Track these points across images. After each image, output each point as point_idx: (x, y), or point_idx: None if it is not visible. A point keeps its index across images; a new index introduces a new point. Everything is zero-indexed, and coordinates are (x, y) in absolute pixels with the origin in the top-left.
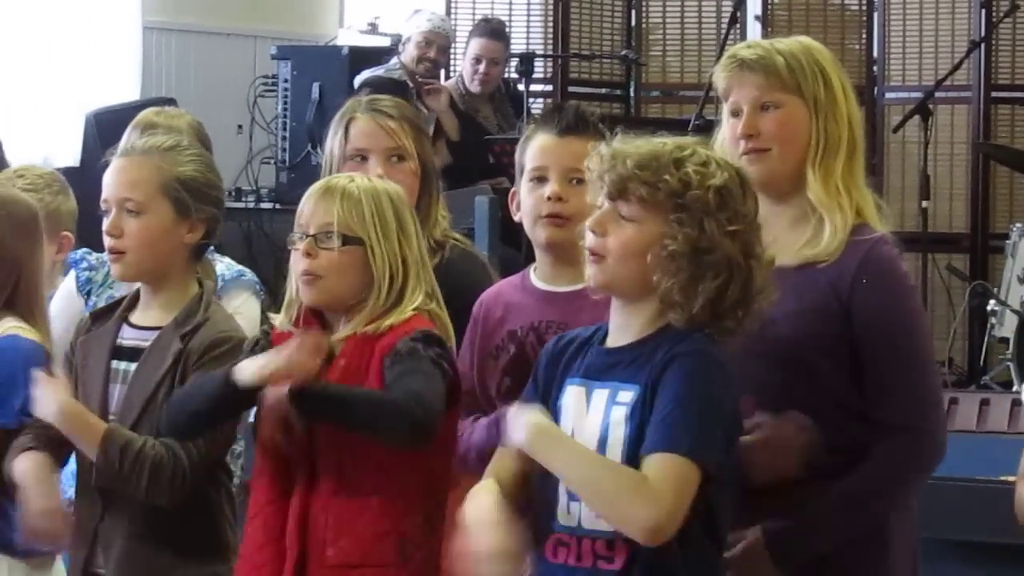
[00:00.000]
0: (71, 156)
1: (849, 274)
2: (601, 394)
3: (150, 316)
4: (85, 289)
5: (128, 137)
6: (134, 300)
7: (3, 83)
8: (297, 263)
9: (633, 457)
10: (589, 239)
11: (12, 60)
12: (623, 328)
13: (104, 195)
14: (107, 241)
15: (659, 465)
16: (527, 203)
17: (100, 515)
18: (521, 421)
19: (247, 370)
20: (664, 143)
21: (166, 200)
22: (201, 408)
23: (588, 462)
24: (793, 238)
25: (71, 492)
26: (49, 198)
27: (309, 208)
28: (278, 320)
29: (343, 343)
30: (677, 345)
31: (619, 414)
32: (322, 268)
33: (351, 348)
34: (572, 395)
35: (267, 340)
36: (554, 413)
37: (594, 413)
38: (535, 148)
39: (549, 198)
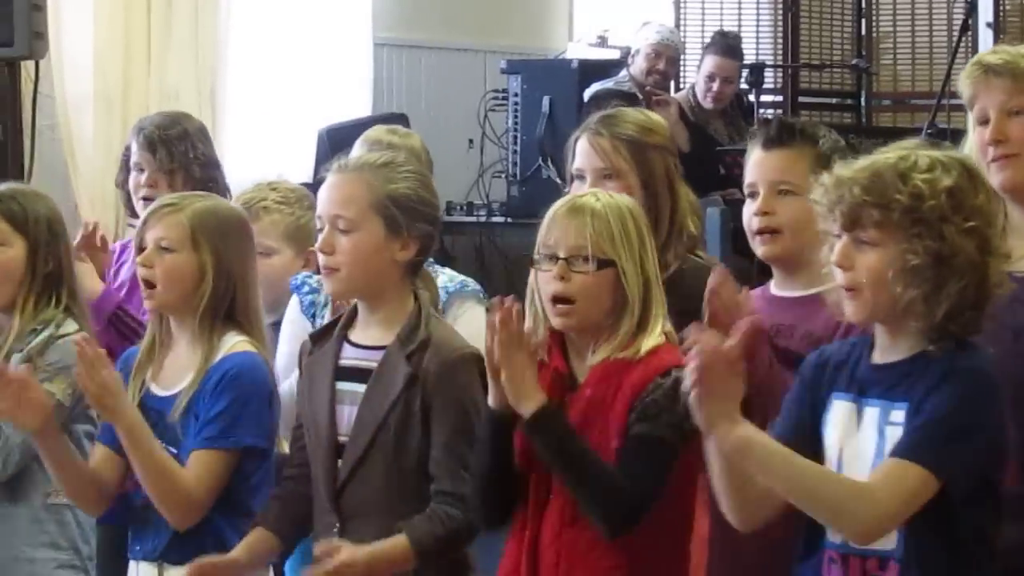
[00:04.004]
0: (305, 172)
1: None
2: (872, 412)
3: (370, 334)
4: (310, 312)
5: (355, 152)
6: (351, 318)
7: (240, 101)
8: (547, 285)
9: None
10: (840, 276)
11: (248, 78)
12: (891, 347)
13: (318, 211)
14: (320, 258)
15: (890, 470)
16: (744, 218)
17: (338, 536)
18: (734, 435)
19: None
20: (885, 157)
21: (377, 218)
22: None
23: (802, 472)
24: None
25: None
26: (300, 212)
27: (558, 229)
28: None
29: (589, 370)
30: (957, 360)
31: (895, 434)
32: (575, 292)
33: (597, 377)
34: (840, 410)
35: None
36: (820, 428)
37: (867, 432)
38: (748, 164)
39: (756, 213)
